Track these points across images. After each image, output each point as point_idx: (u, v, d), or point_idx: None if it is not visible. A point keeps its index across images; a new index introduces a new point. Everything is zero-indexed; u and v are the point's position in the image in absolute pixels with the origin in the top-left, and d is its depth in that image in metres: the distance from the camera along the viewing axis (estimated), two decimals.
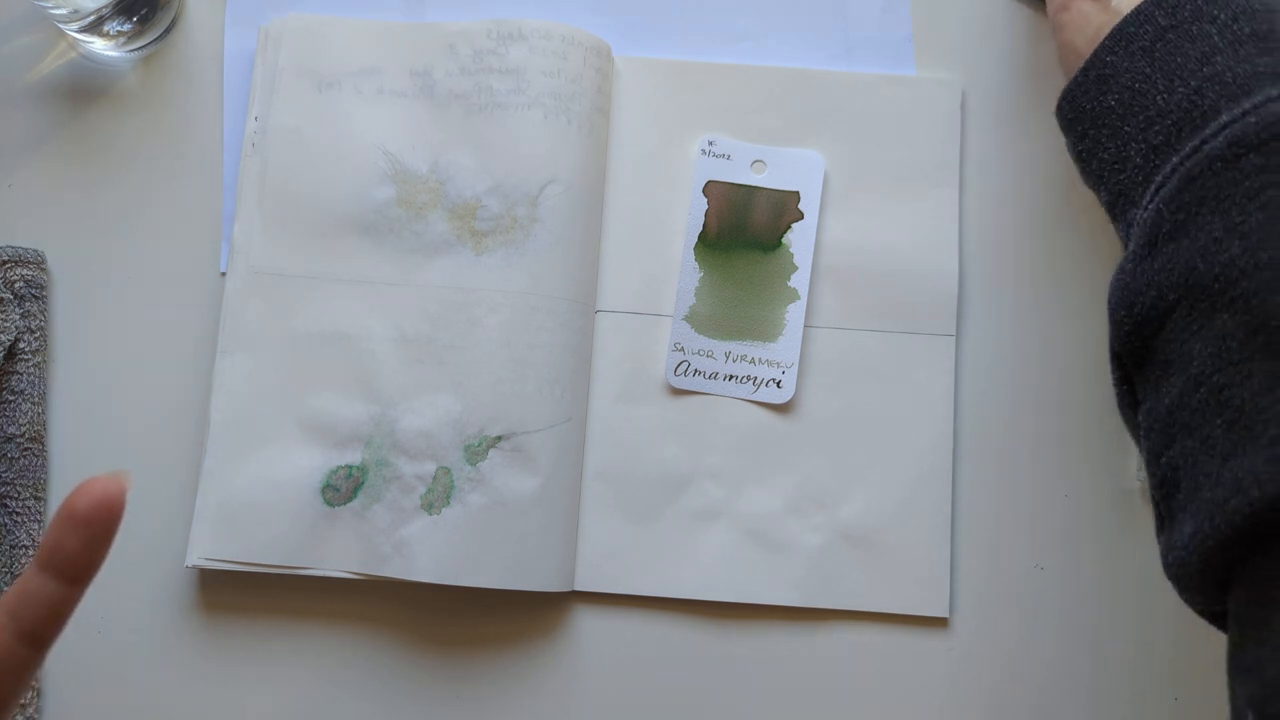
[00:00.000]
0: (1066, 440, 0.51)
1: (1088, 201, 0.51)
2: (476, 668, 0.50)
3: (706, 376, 0.51)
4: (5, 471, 0.50)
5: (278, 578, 0.49)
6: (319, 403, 0.50)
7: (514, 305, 0.50)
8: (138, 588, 0.50)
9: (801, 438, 0.51)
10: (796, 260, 0.52)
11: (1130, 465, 0.51)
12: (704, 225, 0.52)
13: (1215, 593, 0.35)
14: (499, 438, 0.49)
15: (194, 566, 0.49)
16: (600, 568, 0.50)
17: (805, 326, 0.51)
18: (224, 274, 0.52)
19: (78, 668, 0.49)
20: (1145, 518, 0.51)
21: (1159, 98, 0.40)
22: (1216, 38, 0.39)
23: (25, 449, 0.50)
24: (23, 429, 0.50)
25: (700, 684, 0.50)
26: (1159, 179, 0.38)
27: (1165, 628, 0.50)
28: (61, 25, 0.52)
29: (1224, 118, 0.37)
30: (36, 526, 0.50)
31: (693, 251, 0.52)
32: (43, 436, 0.50)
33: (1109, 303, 0.40)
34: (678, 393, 0.51)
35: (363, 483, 0.49)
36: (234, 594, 0.50)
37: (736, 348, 0.51)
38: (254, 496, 0.49)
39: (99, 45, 0.53)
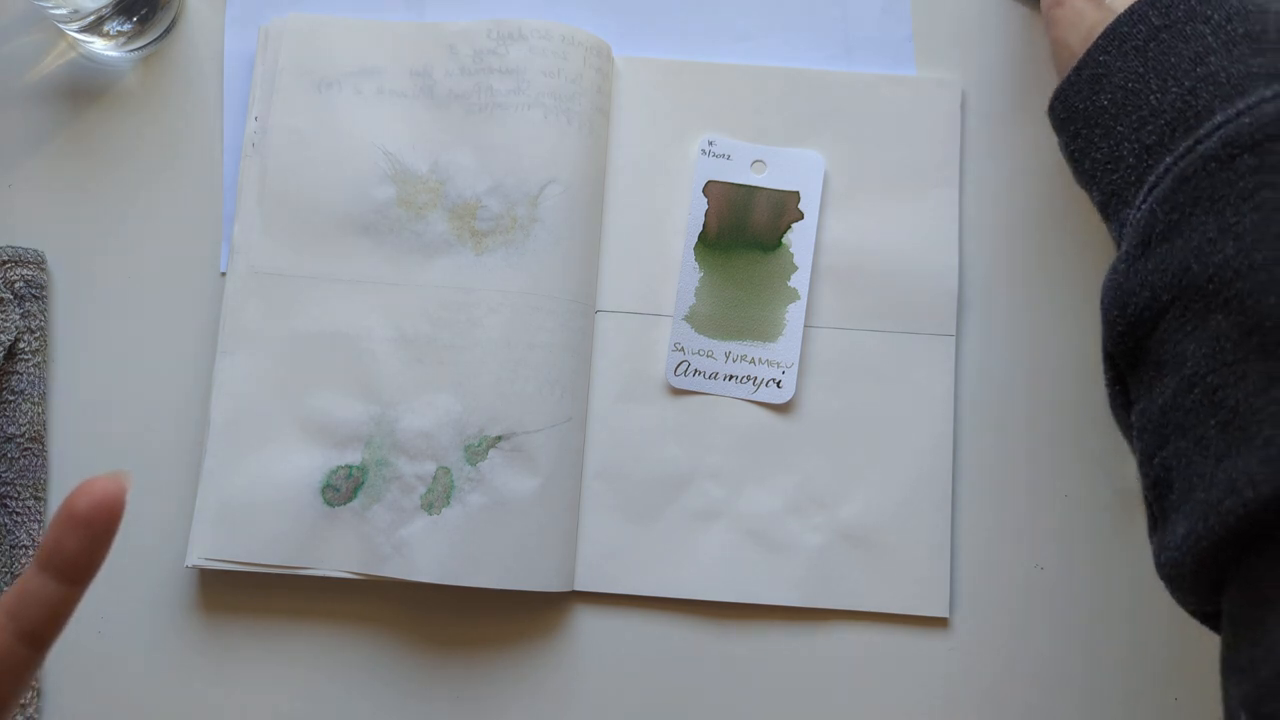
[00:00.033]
0: (1066, 440, 0.51)
1: (1087, 201, 0.51)
2: (476, 668, 0.50)
3: (706, 376, 0.51)
4: (5, 471, 0.50)
5: (278, 578, 0.49)
6: (319, 403, 0.50)
7: (514, 305, 0.50)
8: (138, 588, 0.50)
9: (801, 438, 0.51)
10: (796, 260, 0.52)
11: (1130, 466, 0.51)
12: (704, 225, 0.52)
13: (1208, 593, 0.35)
14: (499, 438, 0.49)
15: (194, 566, 0.49)
16: (600, 568, 0.50)
17: (805, 326, 0.51)
18: (224, 274, 0.52)
19: (78, 668, 0.49)
20: (1145, 518, 0.51)
21: (1152, 97, 0.40)
22: (1210, 38, 0.39)
23: (25, 449, 0.50)
24: (23, 429, 0.50)
25: (700, 684, 0.50)
26: (1152, 179, 0.38)
27: (1165, 627, 0.50)
28: (61, 25, 0.52)
29: (1218, 118, 0.37)
30: (36, 526, 0.50)
31: (693, 251, 0.52)
32: (43, 436, 0.50)
33: (1102, 302, 0.40)
34: (678, 393, 0.51)
35: (363, 483, 0.49)
36: (234, 594, 0.50)
37: (736, 348, 0.51)
38: (254, 496, 0.49)
39: (99, 45, 0.53)
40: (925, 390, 0.51)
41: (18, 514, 0.49)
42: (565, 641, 0.50)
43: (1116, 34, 0.41)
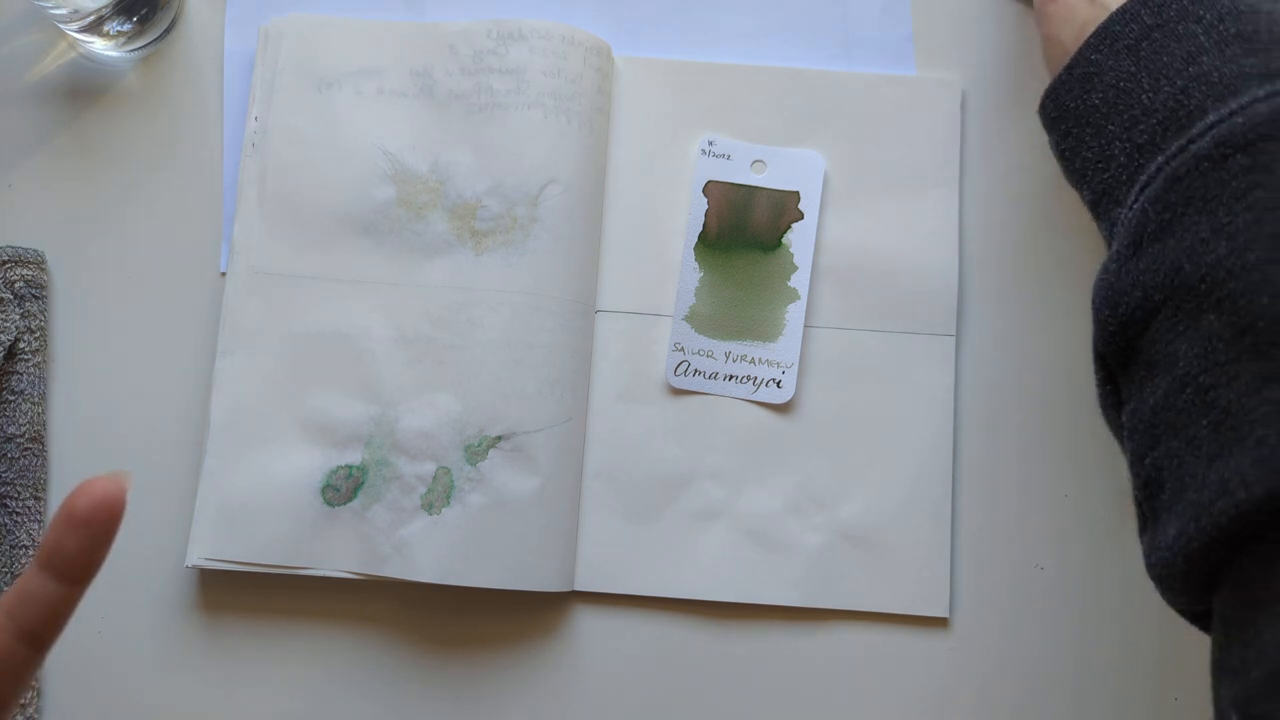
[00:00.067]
0: (1066, 440, 0.51)
1: None
2: (476, 668, 0.50)
3: (706, 376, 0.51)
4: (5, 471, 0.50)
5: (278, 578, 0.49)
6: (319, 403, 0.50)
7: (514, 305, 0.50)
8: (138, 588, 0.50)
9: (801, 438, 0.51)
10: (796, 260, 0.52)
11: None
12: (704, 225, 0.52)
13: (1199, 594, 0.35)
14: (499, 438, 0.49)
15: (194, 566, 0.49)
16: (600, 568, 0.50)
17: (805, 326, 0.51)
18: (224, 274, 0.52)
19: (78, 668, 0.49)
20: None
21: (1144, 97, 0.40)
22: (1203, 37, 0.39)
23: (25, 449, 0.50)
24: (23, 429, 0.50)
25: (700, 684, 0.50)
26: (1144, 178, 0.38)
27: (1164, 627, 0.50)
28: (61, 25, 0.52)
29: (1210, 118, 0.37)
30: (36, 526, 0.50)
31: (693, 251, 0.52)
32: (43, 436, 0.50)
33: (1093, 302, 0.40)
34: (678, 393, 0.51)
35: (363, 483, 0.49)
36: (234, 594, 0.50)
37: (736, 348, 0.51)
38: (254, 496, 0.49)
39: (99, 45, 0.53)
40: (925, 390, 0.51)
41: (18, 514, 0.50)
42: (565, 641, 0.50)
43: (1109, 32, 0.41)
